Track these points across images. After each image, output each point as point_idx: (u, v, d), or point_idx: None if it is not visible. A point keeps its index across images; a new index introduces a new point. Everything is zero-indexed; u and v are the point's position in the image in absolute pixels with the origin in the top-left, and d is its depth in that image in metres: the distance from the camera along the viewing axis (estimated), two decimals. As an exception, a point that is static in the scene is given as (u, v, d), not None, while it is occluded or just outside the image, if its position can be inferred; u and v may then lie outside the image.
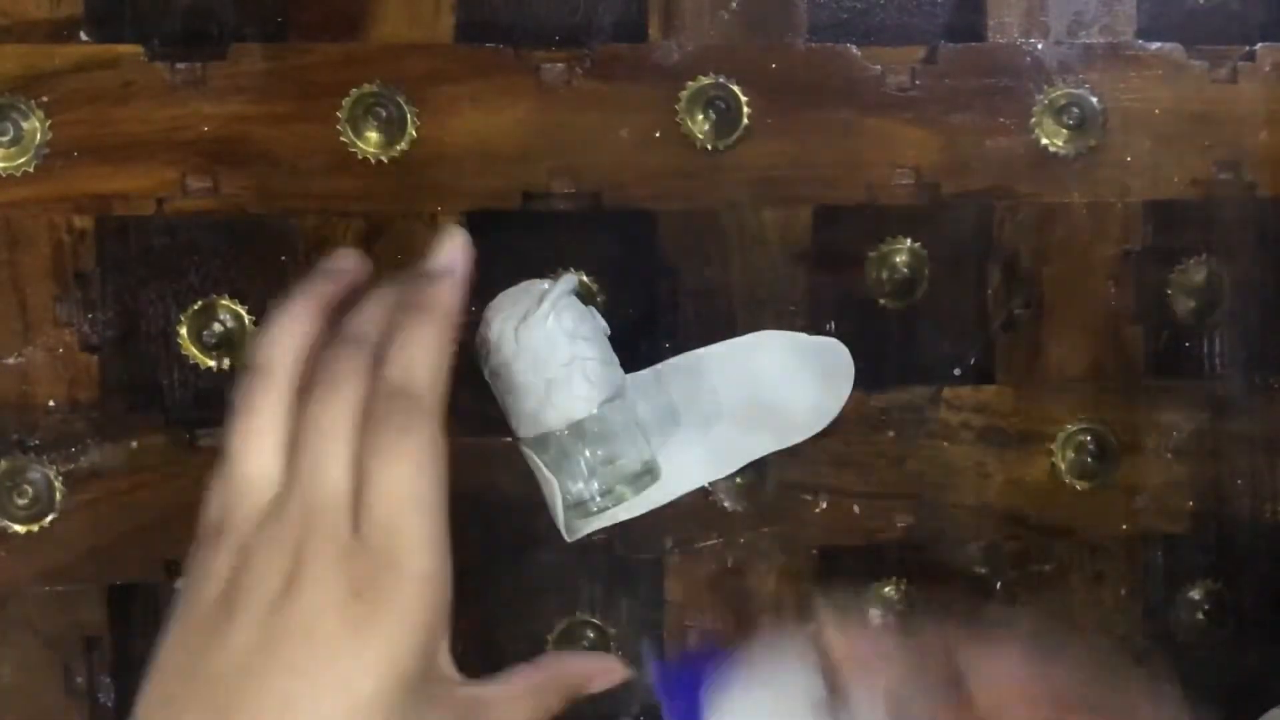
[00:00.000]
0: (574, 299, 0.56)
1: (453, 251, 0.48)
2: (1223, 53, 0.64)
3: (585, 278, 0.62)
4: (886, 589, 0.64)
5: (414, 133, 0.60)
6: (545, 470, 0.56)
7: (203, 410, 0.60)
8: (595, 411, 0.55)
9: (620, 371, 0.57)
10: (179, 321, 0.60)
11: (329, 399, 0.47)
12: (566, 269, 0.61)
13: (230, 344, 0.60)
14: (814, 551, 0.63)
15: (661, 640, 0.63)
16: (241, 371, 0.48)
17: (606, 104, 0.61)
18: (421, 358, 0.48)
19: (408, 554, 0.45)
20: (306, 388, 0.47)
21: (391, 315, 0.49)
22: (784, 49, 0.62)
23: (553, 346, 0.54)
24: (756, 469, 0.62)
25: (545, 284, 0.56)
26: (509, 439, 0.58)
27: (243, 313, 0.60)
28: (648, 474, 0.57)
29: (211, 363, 0.60)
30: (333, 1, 0.60)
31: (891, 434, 0.63)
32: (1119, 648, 0.65)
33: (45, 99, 0.59)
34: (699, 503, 0.62)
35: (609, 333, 0.58)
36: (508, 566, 0.62)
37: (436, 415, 0.47)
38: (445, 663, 0.47)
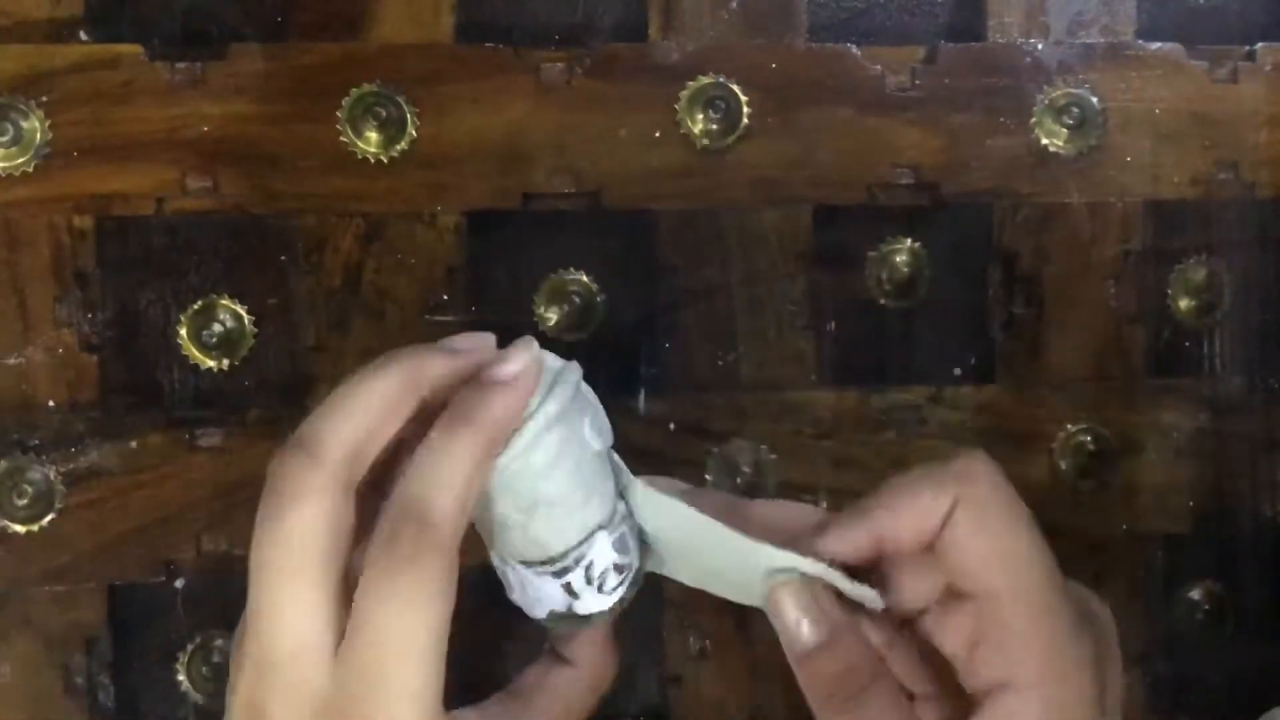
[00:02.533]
0: (575, 406, 0.44)
1: (517, 363, 0.42)
2: (1223, 53, 0.64)
3: (585, 277, 0.62)
4: (886, 589, 0.64)
5: (414, 133, 0.60)
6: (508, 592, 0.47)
7: (203, 410, 0.60)
8: (554, 553, 0.44)
9: (609, 500, 0.45)
10: (179, 321, 0.60)
11: (274, 517, 0.40)
12: (567, 269, 0.61)
13: (230, 344, 0.60)
14: (814, 551, 0.63)
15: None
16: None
17: (606, 104, 0.61)
18: (448, 477, 0.41)
19: (387, 706, 0.40)
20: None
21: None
22: (784, 49, 0.62)
23: (513, 489, 0.43)
24: (756, 469, 0.62)
25: (554, 366, 0.44)
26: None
27: (243, 313, 0.60)
28: (629, 587, 0.46)
29: (211, 363, 0.60)
30: (333, 1, 0.60)
31: (891, 434, 0.63)
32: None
33: (45, 99, 0.58)
34: (699, 503, 0.62)
35: (611, 440, 0.45)
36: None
37: (451, 548, 0.40)
38: None
